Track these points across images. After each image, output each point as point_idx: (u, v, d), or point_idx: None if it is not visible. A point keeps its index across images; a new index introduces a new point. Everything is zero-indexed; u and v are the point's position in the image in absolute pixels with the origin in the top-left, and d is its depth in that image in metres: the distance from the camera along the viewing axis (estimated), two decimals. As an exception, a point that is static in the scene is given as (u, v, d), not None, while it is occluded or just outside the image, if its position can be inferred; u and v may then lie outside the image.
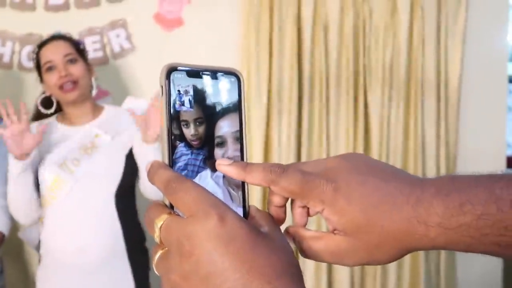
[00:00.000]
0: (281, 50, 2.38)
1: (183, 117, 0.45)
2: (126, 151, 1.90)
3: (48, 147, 1.90)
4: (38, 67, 1.94)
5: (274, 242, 0.43)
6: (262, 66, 2.38)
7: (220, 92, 0.46)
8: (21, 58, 2.39)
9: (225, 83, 0.46)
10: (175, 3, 2.45)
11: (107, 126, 1.92)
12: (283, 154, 2.39)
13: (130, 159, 1.90)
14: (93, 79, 1.97)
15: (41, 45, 1.94)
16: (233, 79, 0.47)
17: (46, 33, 2.37)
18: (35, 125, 1.90)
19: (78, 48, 1.95)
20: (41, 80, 1.95)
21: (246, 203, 0.46)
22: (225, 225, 0.41)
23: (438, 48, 2.40)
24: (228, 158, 0.46)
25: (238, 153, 0.46)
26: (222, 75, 0.47)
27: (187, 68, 0.45)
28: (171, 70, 0.44)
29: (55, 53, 1.88)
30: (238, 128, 0.46)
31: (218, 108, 0.46)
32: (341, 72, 2.40)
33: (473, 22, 2.44)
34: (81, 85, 1.89)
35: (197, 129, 0.45)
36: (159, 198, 1.73)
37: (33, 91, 2.37)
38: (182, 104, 0.44)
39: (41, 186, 1.85)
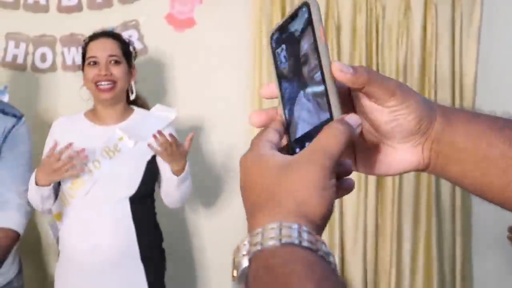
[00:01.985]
0: (293, 49, 2.37)
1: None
2: (148, 157, 1.91)
3: (73, 143, 1.90)
4: (82, 57, 1.96)
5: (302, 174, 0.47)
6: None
7: (298, 26, 0.52)
8: (35, 59, 2.40)
9: (300, 17, 0.52)
10: (187, 3, 2.45)
11: (133, 130, 1.92)
12: (296, 154, 2.38)
13: (151, 165, 1.92)
14: (132, 83, 1.97)
15: (92, 38, 1.95)
16: (304, 8, 0.51)
17: (59, 34, 2.39)
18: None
19: (125, 50, 1.96)
20: (82, 70, 1.96)
21: (332, 108, 0.50)
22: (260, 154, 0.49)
23: (452, 46, 2.37)
24: (311, 70, 0.51)
25: (317, 62, 0.50)
26: (297, 12, 0.52)
27: (276, 27, 0.55)
28: (272, 34, 0.55)
29: (101, 50, 1.90)
30: (312, 40, 0.50)
31: (297, 36, 0.52)
32: (354, 71, 2.38)
33: (488, 19, 2.41)
34: (119, 87, 1.90)
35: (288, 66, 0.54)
36: (177, 205, 1.72)
37: (46, 91, 2.39)
38: (281, 59, 0.54)
39: (61, 184, 1.88)
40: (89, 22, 2.37)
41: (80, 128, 1.94)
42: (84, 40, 2.01)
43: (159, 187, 2.00)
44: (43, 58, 2.41)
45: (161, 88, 2.46)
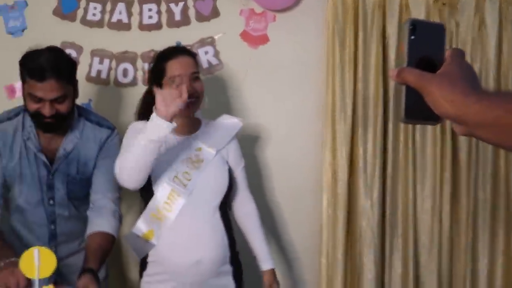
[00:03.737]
0: (366, 65, 2.40)
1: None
2: (227, 164, 1.99)
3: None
4: (156, 74, 1.95)
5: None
6: (347, 80, 2.40)
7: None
8: (117, 75, 2.53)
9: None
10: (261, 21, 2.53)
11: (209, 139, 1.98)
12: (369, 167, 2.39)
13: (230, 171, 2.00)
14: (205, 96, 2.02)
15: (168, 56, 1.94)
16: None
17: (140, 51, 2.52)
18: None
19: (198, 64, 2.01)
20: (155, 86, 1.95)
21: None
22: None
23: (529, 60, 2.35)
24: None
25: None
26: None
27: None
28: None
29: (185, 69, 1.91)
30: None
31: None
32: (427, 86, 2.38)
33: None
34: (200, 101, 1.96)
35: None
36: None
37: (127, 104, 2.50)
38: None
39: (155, 200, 1.89)
40: (168, 39, 2.48)
41: None
42: (153, 56, 2.03)
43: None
44: (125, 73, 2.53)
45: (234, 102, 2.54)
